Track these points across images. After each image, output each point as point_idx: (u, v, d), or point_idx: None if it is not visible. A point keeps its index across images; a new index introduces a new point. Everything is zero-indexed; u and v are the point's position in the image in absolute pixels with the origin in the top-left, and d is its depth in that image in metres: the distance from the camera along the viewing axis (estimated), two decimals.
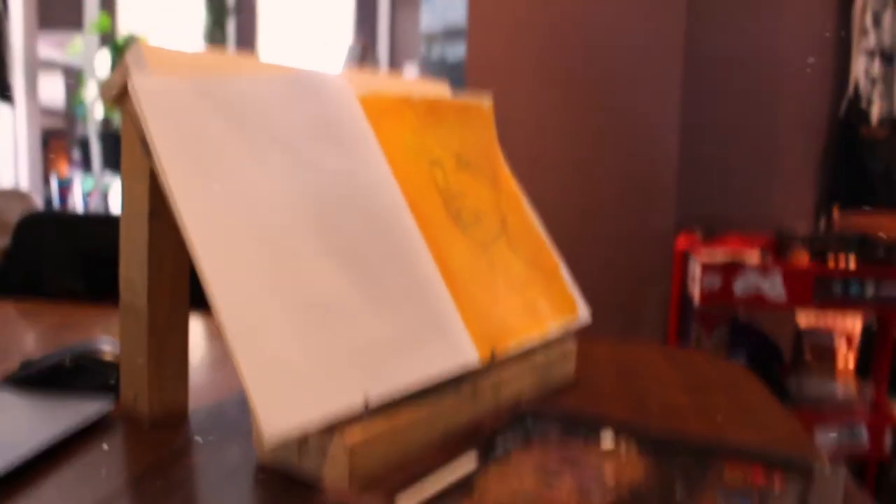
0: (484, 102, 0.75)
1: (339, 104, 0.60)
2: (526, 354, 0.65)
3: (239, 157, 0.50)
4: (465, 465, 0.48)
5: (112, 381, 0.61)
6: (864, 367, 1.95)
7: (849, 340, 1.95)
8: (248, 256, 0.47)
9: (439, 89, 0.73)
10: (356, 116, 0.60)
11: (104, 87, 0.54)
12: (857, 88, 2.25)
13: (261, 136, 0.52)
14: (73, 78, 4.90)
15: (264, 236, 0.49)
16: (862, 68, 2.25)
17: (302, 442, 0.47)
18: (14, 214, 1.37)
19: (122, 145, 0.55)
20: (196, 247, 0.45)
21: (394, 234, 0.57)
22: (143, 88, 0.48)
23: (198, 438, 0.54)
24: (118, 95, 0.52)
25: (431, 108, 0.68)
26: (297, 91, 0.57)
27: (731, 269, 1.70)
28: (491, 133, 0.75)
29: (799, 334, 2.00)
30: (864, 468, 1.85)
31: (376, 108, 0.62)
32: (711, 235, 2.02)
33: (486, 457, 0.51)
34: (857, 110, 2.25)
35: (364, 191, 0.57)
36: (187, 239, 0.46)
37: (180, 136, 0.48)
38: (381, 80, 0.67)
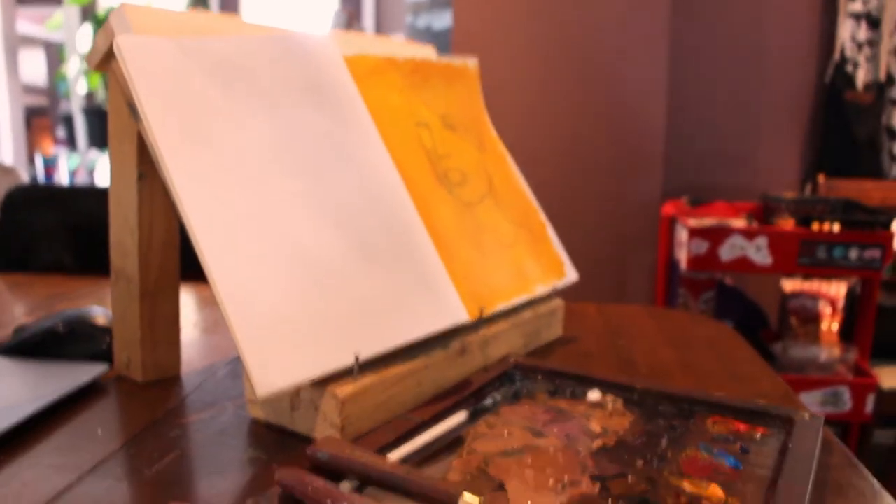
0: (470, 64, 0.75)
1: (325, 64, 0.60)
2: (514, 313, 0.66)
3: (226, 116, 0.51)
4: (455, 419, 0.49)
5: (105, 346, 0.61)
6: (847, 332, 1.97)
7: (833, 305, 1.98)
8: (238, 216, 0.48)
9: (425, 52, 0.73)
10: (342, 76, 0.61)
11: (89, 52, 0.54)
12: (843, 53, 2.26)
13: (247, 95, 0.53)
14: (55, 53, 4.83)
15: (254, 196, 0.49)
16: (848, 32, 2.25)
17: (293, 397, 0.48)
18: (0, 188, 1.36)
19: (108, 109, 0.55)
20: (186, 207, 0.46)
21: (382, 194, 0.57)
22: (129, 48, 0.48)
23: (191, 399, 0.55)
24: (103, 59, 0.52)
25: (417, 69, 0.68)
26: (282, 51, 0.57)
27: (717, 234, 1.72)
28: (477, 94, 0.75)
29: (784, 299, 2.02)
30: (846, 431, 1.88)
31: (362, 68, 0.63)
32: (698, 204, 2.03)
33: (475, 411, 0.52)
34: (843, 75, 2.26)
35: (351, 150, 0.57)
36: (176, 200, 0.46)
37: (167, 96, 0.48)
38: (366, 42, 0.67)
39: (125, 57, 0.48)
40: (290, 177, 0.52)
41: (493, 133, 0.75)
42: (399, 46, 0.70)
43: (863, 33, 2.26)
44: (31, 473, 0.43)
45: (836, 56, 2.27)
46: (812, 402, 1.78)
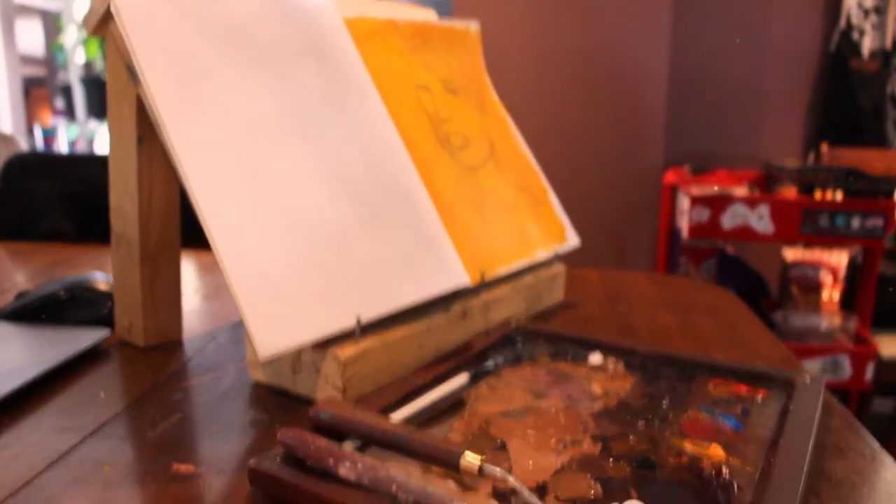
0: (471, 27, 0.74)
1: (325, 25, 0.59)
2: (515, 277, 0.66)
3: (225, 78, 0.50)
4: (456, 381, 0.49)
5: (106, 311, 0.61)
6: (848, 301, 1.98)
7: (834, 274, 1.98)
8: (238, 179, 0.47)
9: (426, 15, 0.72)
10: (342, 38, 0.60)
11: (86, 15, 0.53)
12: (849, 20, 2.23)
13: (246, 56, 0.52)
14: (52, 23, 4.78)
15: (254, 158, 0.49)
16: None
17: (295, 360, 0.48)
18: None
19: (107, 73, 0.55)
20: (186, 170, 0.45)
21: (383, 156, 0.57)
22: (127, 9, 0.47)
23: (193, 363, 0.55)
24: (100, 22, 0.52)
25: (418, 32, 0.67)
26: (282, 11, 0.56)
27: (719, 202, 1.71)
28: (478, 58, 0.74)
29: (785, 268, 2.02)
30: (846, 399, 1.89)
31: (362, 31, 0.62)
32: (700, 172, 2.02)
33: (476, 374, 0.52)
34: (848, 42, 2.23)
35: (352, 113, 0.57)
36: (176, 162, 0.46)
37: (166, 57, 0.48)
38: (367, 4, 0.66)
39: (123, 18, 0.47)
40: (290, 139, 0.51)
41: (495, 97, 0.75)
42: (400, 9, 0.69)
43: (869, 0, 2.23)
44: (34, 435, 0.43)
45: (842, 23, 2.24)
46: (812, 370, 1.79)
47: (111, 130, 0.56)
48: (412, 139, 0.60)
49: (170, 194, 0.57)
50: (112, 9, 0.47)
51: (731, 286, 2.01)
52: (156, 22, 0.48)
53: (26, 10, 4.78)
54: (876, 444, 0.45)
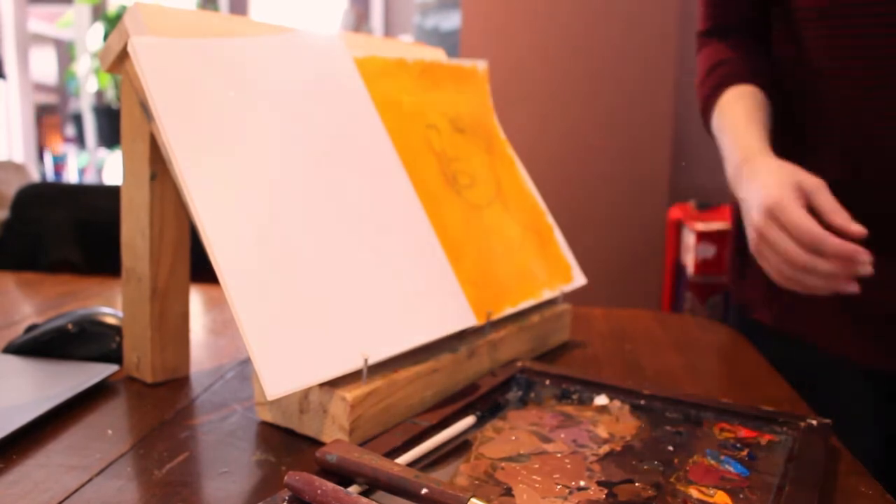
0: (479, 67, 0.75)
1: (336, 65, 0.60)
2: (521, 316, 0.66)
3: (238, 117, 0.51)
4: (463, 423, 0.49)
5: (115, 346, 0.61)
6: None
7: None
8: (249, 217, 0.48)
9: (435, 54, 0.73)
10: (352, 77, 0.61)
11: (102, 53, 0.54)
12: None
13: (259, 96, 0.53)
14: (65, 51, 4.85)
15: (265, 197, 0.49)
16: None
17: (302, 400, 0.48)
18: (11, 186, 1.37)
19: (121, 109, 0.56)
20: (198, 208, 0.46)
21: (391, 195, 0.58)
22: (143, 48, 0.48)
23: (200, 400, 0.55)
24: (117, 60, 0.53)
25: (426, 71, 0.68)
26: (293, 51, 0.57)
27: (725, 238, 1.72)
28: (486, 97, 0.75)
29: None
30: None
31: (372, 70, 0.63)
32: (705, 208, 2.03)
33: (482, 416, 0.52)
34: None
35: (361, 152, 0.58)
36: (188, 199, 0.46)
37: (180, 96, 0.49)
38: (376, 44, 0.67)
39: (140, 58, 0.48)
40: (300, 178, 0.52)
41: (502, 136, 0.76)
42: (409, 49, 0.71)
43: None
44: (42, 473, 0.43)
45: None
46: None
47: (124, 166, 0.57)
48: (420, 178, 0.61)
49: (181, 231, 0.57)
50: (129, 48, 0.48)
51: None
52: (171, 61, 0.49)
53: (41, 39, 4.85)
54: (883, 491, 0.44)
